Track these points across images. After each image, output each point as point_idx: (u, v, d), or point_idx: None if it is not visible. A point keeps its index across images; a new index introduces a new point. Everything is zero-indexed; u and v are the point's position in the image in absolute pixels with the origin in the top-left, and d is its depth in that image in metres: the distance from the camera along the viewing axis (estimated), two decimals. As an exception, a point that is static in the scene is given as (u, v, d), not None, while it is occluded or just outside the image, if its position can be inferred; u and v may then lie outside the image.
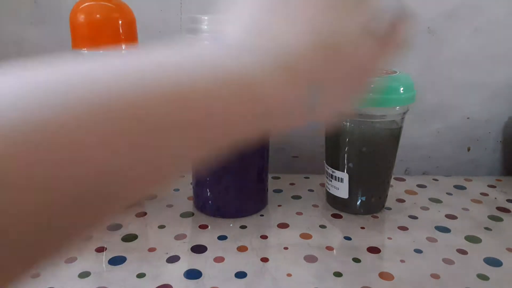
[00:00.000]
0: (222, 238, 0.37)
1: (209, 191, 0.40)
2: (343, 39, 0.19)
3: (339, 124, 0.39)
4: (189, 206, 0.43)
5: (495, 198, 0.46)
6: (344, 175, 0.40)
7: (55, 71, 0.15)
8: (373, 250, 0.35)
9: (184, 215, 0.41)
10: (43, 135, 0.12)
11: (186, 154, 0.16)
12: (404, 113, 0.39)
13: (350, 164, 0.39)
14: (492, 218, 0.41)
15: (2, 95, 0.13)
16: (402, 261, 0.34)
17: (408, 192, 0.47)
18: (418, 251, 0.35)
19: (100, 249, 0.35)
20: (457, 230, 0.39)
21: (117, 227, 0.39)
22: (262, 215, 0.41)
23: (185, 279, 0.31)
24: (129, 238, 0.37)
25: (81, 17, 0.36)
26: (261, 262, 0.33)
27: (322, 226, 0.39)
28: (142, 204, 0.43)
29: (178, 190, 0.47)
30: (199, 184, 0.41)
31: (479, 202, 0.45)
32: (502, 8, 0.47)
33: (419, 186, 0.49)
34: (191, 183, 0.44)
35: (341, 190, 0.41)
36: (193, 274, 0.32)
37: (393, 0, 0.22)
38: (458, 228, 0.39)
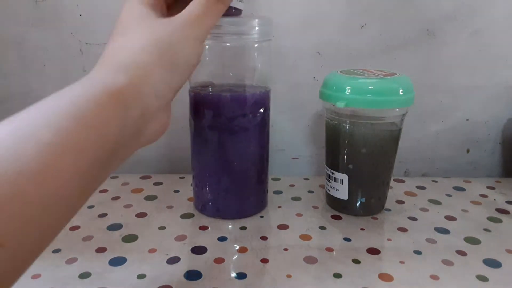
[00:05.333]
0: (222, 239, 0.37)
1: (209, 193, 0.40)
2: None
3: (339, 125, 0.39)
4: (189, 207, 0.43)
5: (494, 199, 0.46)
6: (344, 177, 0.40)
7: None
8: (373, 251, 0.35)
9: (184, 216, 0.41)
10: None
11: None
12: (404, 114, 0.39)
13: (350, 166, 0.39)
14: (491, 219, 0.41)
15: None
16: (401, 262, 0.34)
17: (408, 193, 0.47)
18: (417, 252, 0.35)
19: (101, 250, 0.35)
20: (457, 232, 0.39)
21: (118, 227, 0.39)
22: (262, 216, 0.41)
23: (185, 280, 0.31)
24: (130, 238, 0.37)
25: None
26: (261, 263, 0.33)
27: (322, 228, 0.39)
28: (143, 205, 0.43)
29: (178, 191, 0.47)
30: (199, 186, 0.41)
31: (478, 203, 0.45)
32: (501, 10, 0.47)
33: (419, 187, 0.49)
34: (191, 184, 0.44)
35: (341, 191, 0.41)
36: (193, 275, 0.32)
37: None
38: (458, 229, 0.39)
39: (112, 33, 0.28)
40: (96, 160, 0.21)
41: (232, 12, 0.34)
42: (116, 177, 0.51)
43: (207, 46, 0.37)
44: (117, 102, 0.23)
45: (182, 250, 0.35)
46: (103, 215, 0.41)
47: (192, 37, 0.27)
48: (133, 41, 0.26)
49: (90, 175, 0.21)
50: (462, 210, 0.43)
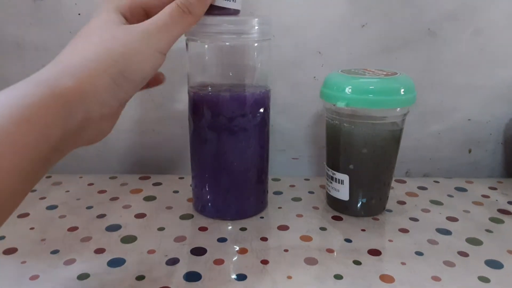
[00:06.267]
0: (222, 240, 0.37)
1: (209, 193, 0.40)
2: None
3: (340, 125, 0.39)
4: (188, 208, 0.43)
5: (496, 200, 0.46)
6: (345, 177, 0.40)
7: None
8: (374, 252, 0.35)
9: (184, 217, 0.41)
10: None
11: None
12: (405, 114, 0.39)
13: (351, 166, 0.39)
14: (493, 220, 0.41)
15: None
16: (403, 263, 0.34)
17: (409, 194, 0.47)
18: (419, 253, 0.35)
19: (99, 251, 0.35)
20: (458, 232, 0.39)
21: (116, 228, 0.38)
22: (262, 217, 0.41)
23: (184, 281, 0.31)
24: (129, 239, 0.37)
25: None
26: (261, 264, 0.33)
27: (323, 228, 0.39)
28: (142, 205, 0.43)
29: (177, 192, 0.47)
30: (198, 186, 0.41)
31: (480, 204, 0.45)
32: (503, 10, 0.47)
33: (420, 188, 0.49)
34: (190, 185, 0.44)
35: (342, 192, 0.40)
36: (192, 277, 0.31)
37: None
38: (459, 230, 0.39)
39: (76, 35, 0.28)
40: (37, 159, 0.21)
41: (230, 12, 0.34)
42: (115, 177, 0.50)
43: (206, 46, 0.37)
44: (60, 104, 0.23)
45: (182, 251, 0.35)
46: (101, 216, 0.41)
47: (151, 47, 0.27)
48: (89, 46, 0.26)
49: (31, 173, 0.22)
50: (464, 210, 0.43)
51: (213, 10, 0.32)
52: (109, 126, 0.28)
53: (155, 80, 0.38)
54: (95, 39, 0.27)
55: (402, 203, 0.45)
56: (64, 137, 0.23)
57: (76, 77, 0.24)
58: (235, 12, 0.35)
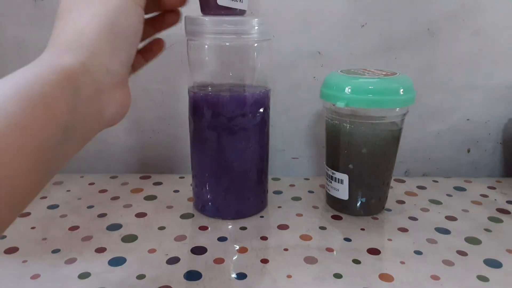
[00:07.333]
0: (222, 239, 0.37)
1: (209, 193, 0.40)
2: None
3: (340, 125, 0.39)
4: (189, 207, 0.43)
5: (495, 199, 0.46)
6: (344, 177, 0.40)
7: None
8: (373, 251, 0.35)
9: (184, 216, 0.41)
10: None
11: None
12: (404, 114, 0.39)
13: (350, 166, 0.39)
14: (492, 219, 0.41)
15: None
16: (402, 262, 0.34)
17: (408, 193, 0.47)
18: (418, 252, 0.35)
19: (100, 250, 0.35)
20: (457, 232, 0.39)
21: (117, 227, 0.39)
22: (262, 217, 0.41)
23: (185, 280, 0.31)
24: (129, 239, 0.37)
25: None
26: (261, 264, 0.33)
27: (322, 228, 0.39)
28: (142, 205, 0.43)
29: (178, 191, 0.47)
30: (199, 186, 0.41)
31: (479, 203, 0.45)
32: (502, 10, 0.47)
33: (419, 187, 0.49)
34: (191, 185, 0.44)
35: (341, 191, 0.41)
36: (193, 276, 0.32)
37: None
38: (458, 229, 0.39)
39: (59, 9, 0.27)
40: (46, 140, 0.21)
41: (237, 12, 0.34)
42: (116, 177, 0.51)
43: (206, 46, 0.37)
44: (65, 82, 0.23)
45: (182, 250, 0.35)
46: (102, 215, 0.41)
47: (132, 2, 0.27)
48: (79, 18, 0.26)
49: (43, 155, 0.21)
50: (463, 210, 0.43)
51: (219, 10, 0.32)
52: (125, 97, 0.28)
53: (157, 45, 0.37)
54: (83, 9, 0.26)
55: (401, 202, 0.45)
56: (77, 116, 0.23)
57: (75, 52, 0.24)
58: (241, 13, 0.35)
